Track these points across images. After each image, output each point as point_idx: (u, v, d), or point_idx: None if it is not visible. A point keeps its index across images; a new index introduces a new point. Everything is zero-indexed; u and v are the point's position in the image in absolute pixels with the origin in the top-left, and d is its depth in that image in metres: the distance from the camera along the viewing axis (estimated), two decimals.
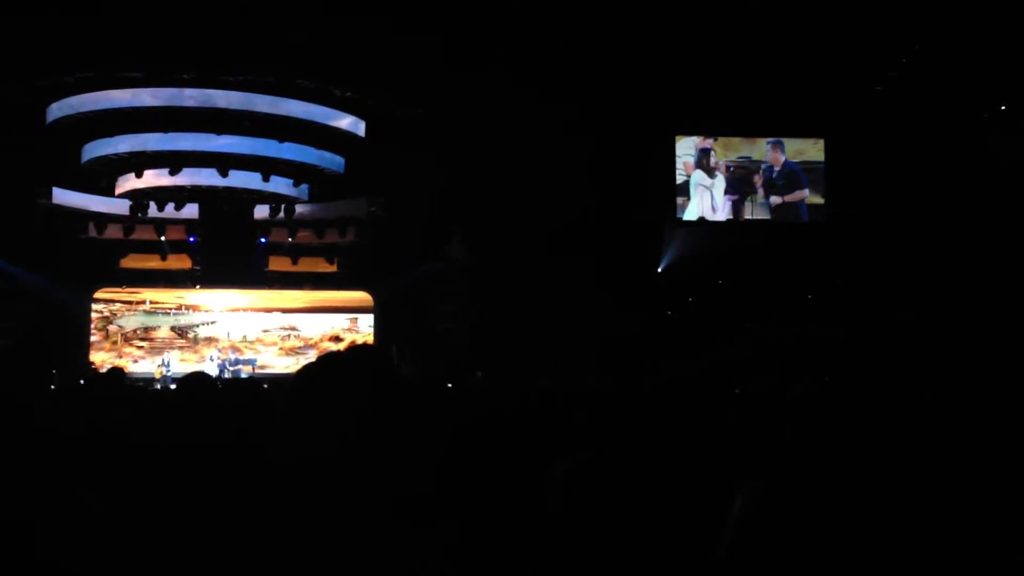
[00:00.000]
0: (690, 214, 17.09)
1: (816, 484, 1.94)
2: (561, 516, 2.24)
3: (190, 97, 14.87)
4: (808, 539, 1.87)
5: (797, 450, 2.37)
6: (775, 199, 17.15)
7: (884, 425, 2.63)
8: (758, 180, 17.11)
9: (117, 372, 4.57)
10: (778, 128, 17.00)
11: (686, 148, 17.11)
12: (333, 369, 1.61)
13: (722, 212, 17.07)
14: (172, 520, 2.32)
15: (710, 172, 17.09)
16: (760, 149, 17.18)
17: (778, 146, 17.15)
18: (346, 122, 15.84)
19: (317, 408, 1.56)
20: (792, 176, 17.14)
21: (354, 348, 1.73)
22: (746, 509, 1.92)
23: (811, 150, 17.24)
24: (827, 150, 17.05)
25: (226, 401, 2.88)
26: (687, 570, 2.17)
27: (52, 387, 12.46)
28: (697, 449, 2.67)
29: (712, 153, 17.12)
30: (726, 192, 17.08)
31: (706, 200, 17.09)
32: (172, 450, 2.79)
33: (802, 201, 17.14)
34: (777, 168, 17.14)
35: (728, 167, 17.12)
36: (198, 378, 3.20)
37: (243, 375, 18.29)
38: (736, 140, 17.16)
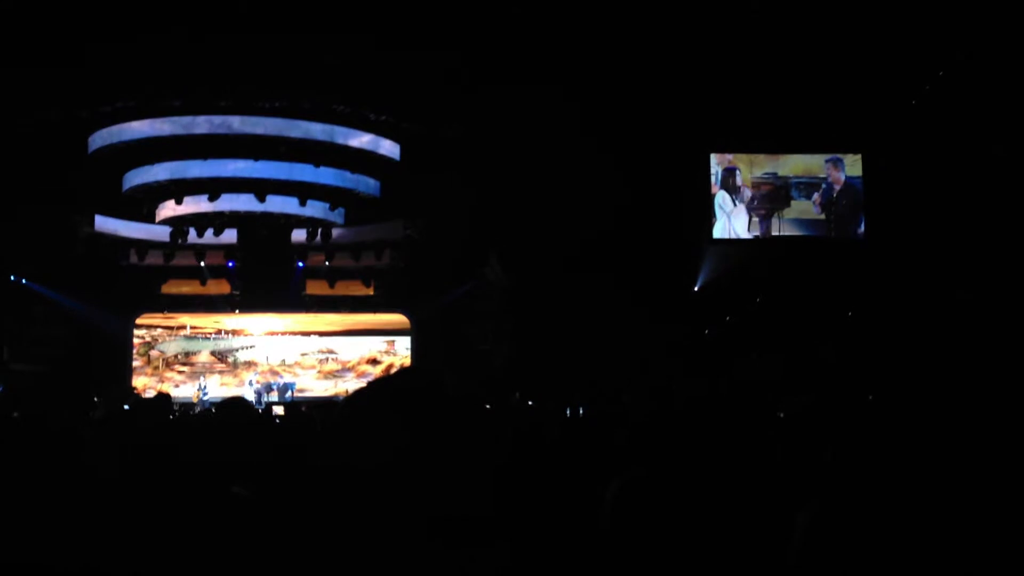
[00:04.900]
0: (718, 232, 16.97)
1: (873, 503, 1.92)
2: (610, 535, 2.24)
3: (223, 124, 15.00)
4: (872, 559, 1.85)
5: (847, 469, 2.35)
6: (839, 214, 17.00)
7: (927, 440, 2.60)
8: (817, 199, 16.92)
9: (164, 398, 4.62)
10: (814, 144, 16.85)
11: (713, 166, 17.01)
12: (384, 393, 1.62)
13: (748, 230, 16.90)
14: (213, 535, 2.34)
15: (735, 191, 16.94)
16: (786, 165, 16.99)
17: (838, 164, 16.94)
18: (366, 140, 15.74)
19: (368, 431, 1.56)
20: (855, 194, 16.96)
21: (403, 371, 1.72)
22: (808, 531, 1.90)
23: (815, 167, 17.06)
24: (864, 165, 16.87)
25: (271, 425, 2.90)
26: None
27: (95, 413, 12.57)
28: (741, 468, 2.66)
29: (737, 172, 16.96)
30: (753, 209, 16.92)
31: (732, 218, 16.95)
32: (218, 469, 2.82)
33: (860, 218, 16.99)
34: (838, 187, 16.97)
35: (754, 184, 16.96)
36: (237, 403, 3.23)
37: (288, 399, 18.48)
38: (761, 157, 16.97)
